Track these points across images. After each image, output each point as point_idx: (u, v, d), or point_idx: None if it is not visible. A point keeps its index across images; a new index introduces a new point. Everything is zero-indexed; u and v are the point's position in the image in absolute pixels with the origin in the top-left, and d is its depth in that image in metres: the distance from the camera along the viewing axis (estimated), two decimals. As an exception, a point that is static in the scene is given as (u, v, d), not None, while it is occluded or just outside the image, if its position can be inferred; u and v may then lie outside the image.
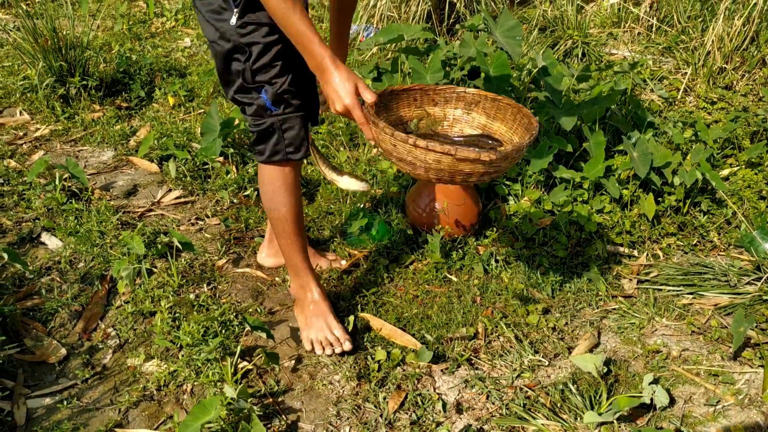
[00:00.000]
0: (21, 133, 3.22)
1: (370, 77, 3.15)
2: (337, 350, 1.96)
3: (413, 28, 3.13)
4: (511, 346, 2.04)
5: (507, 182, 2.76)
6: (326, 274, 2.33)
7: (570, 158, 2.82)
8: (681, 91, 3.57)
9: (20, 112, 3.40)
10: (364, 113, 1.58)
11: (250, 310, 2.17)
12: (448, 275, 2.37)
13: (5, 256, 2.06)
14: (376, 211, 2.40)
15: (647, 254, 2.53)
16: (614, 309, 2.23)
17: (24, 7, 4.28)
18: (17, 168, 2.88)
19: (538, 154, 2.65)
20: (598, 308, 2.24)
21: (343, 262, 2.39)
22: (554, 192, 2.64)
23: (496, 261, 2.43)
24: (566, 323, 2.16)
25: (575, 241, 2.54)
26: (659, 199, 2.72)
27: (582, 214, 2.57)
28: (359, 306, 2.19)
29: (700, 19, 4.11)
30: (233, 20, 1.66)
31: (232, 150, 2.95)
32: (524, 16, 4.39)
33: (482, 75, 2.85)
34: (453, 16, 4.29)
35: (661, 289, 2.32)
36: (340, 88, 1.58)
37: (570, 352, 2.02)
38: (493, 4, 4.44)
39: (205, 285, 2.27)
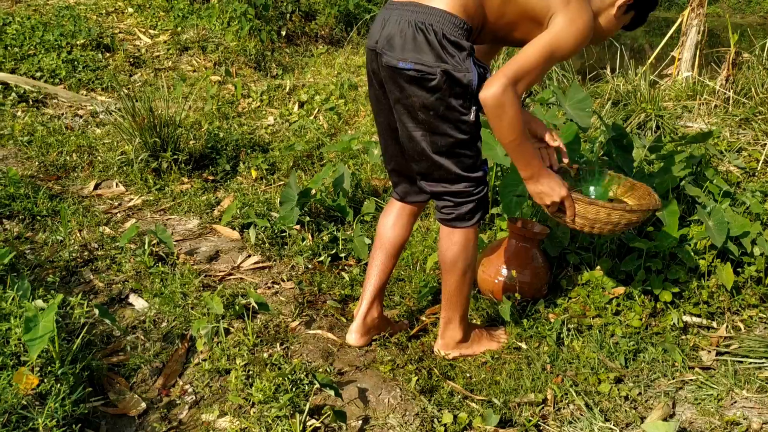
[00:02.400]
0: (116, 203, 3.47)
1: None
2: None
3: (484, 103, 3.23)
4: (581, 414, 2.00)
5: (579, 251, 2.75)
6: (395, 338, 2.37)
7: (643, 228, 2.80)
8: (761, 162, 3.49)
9: (116, 184, 3.67)
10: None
11: (320, 369, 2.22)
12: (518, 342, 2.36)
13: (97, 311, 2.21)
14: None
15: (727, 326, 2.45)
16: (691, 380, 2.16)
17: (125, 90, 4.67)
18: (111, 234, 3.09)
19: (609, 223, 2.64)
20: (673, 379, 2.17)
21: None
22: (627, 261, 2.61)
23: (568, 330, 2.40)
24: (639, 393, 2.10)
25: (650, 311, 2.49)
26: (738, 269, 2.64)
27: (657, 284, 2.52)
28: (428, 369, 2.21)
29: (779, 91, 4.05)
30: (472, 117, 1.94)
31: (308, 218, 3.08)
32: (596, 90, 4.45)
33: (552, 146, 2.90)
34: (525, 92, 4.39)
35: (741, 362, 2.23)
36: (556, 185, 2.00)
37: (643, 422, 1.95)
38: (564, 80, 4.53)
39: (278, 345, 2.35)
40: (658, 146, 3.10)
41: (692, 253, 2.59)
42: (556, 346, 2.34)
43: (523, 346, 2.35)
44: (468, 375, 2.22)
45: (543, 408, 2.03)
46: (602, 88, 4.47)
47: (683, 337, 2.40)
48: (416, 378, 2.14)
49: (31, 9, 6.37)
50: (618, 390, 2.10)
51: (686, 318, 2.47)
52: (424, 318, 2.52)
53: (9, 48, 5.28)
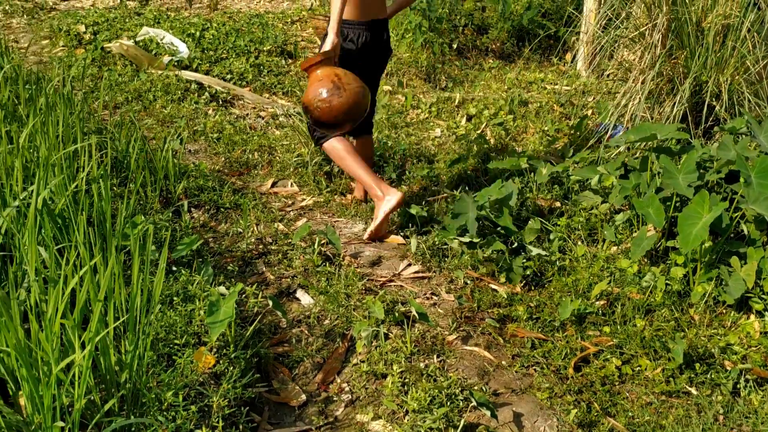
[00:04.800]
0: (290, 202, 3.67)
1: (617, 173, 3.13)
2: None
3: (667, 128, 3.07)
4: (759, 475, 1.83)
5: (764, 295, 2.52)
6: (554, 366, 2.30)
7: None
8: None
9: (291, 184, 3.88)
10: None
11: (476, 387, 2.20)
12: (687, 387, 2.21)
13: (270, 303, 2.35)
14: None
15: None
16: None
17: (304, 95, 4.93)
18: (284, 231, 3.27)
19: (804, 269, 2.41)
20: None
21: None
22: (822, 313, 2.36)
23: (746, 380, 2.21)
24: (831, 462, 1.89)
25: None
26: None
27: None
28: (587, 403, 2.13)
29: None
30: None
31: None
32: (795, 122, 4.05)
33: (742, 180, 2.69)
34: (711, 119, 4.11)
35: None
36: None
37: (834, 496, 1.75)
38: (757, 108, 4.17)
39: (434, 357, 2.36)
40: None
41: None
42: (731, 396, 2.16)
43: (693, 391, 2.20)
44: (630, 414, 2.11)
45: (714, 462, 1.89)
46: (801, 120, 4.07)
47: None
48: (575, 410, 2.07)
49: (226, 16, 6.92)
50: (804, 455, 1.90)
51: None
52: (588, 345, 2.43)
53: (205, 51, 5.77)
